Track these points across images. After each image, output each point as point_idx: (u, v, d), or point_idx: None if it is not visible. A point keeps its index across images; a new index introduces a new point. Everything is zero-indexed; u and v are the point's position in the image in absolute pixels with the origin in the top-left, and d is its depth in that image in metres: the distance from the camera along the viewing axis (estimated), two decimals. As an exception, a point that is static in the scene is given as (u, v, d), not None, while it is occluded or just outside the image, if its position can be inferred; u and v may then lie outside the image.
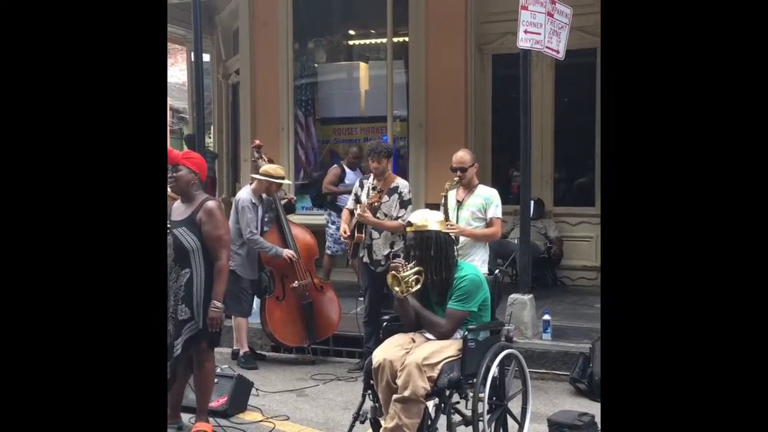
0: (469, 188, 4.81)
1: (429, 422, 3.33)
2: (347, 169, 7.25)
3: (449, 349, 3.39)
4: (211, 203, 3.98)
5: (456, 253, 3.71)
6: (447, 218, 4.48)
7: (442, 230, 3.61)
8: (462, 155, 4.82)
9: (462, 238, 4.65)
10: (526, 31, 5.28)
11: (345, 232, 5.27)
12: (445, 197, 4.75)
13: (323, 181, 7.32)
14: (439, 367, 3.30)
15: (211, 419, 4.08)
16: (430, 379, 3.26)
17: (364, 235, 5.24)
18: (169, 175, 4.04)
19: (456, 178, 4.74)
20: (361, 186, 5.37)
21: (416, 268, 3.51)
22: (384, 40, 8.04)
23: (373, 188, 5.22)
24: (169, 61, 24.66)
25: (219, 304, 3.87)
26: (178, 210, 4.05)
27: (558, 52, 5.56)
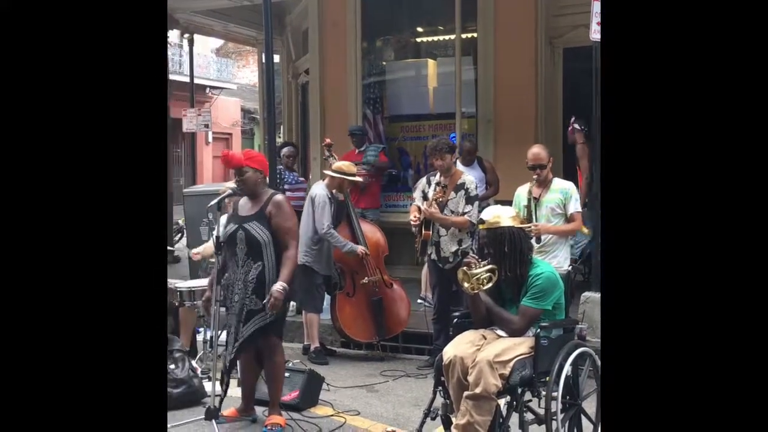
0: (545, 184, 4.68)
1: (501, 420, 3.30)
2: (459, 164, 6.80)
3: (521, 346, 3.34)
4: (279, 197, 4.12)
5: (532, 250, 3.65)
6: (530, 218, 4.39)
7: (515, 226, 3.56)
8: (538, 151, 4.65)
9: (543, 236, 4.55)
10: (599, 23, 5.16)
11: (415, 218, 5.22)
12: (518, 195, 4.66)
13: None
14: (511, 364, 3.26)
15: (283, 413, 4.15)
16: (501, 376, 3.22)
17: (431, 233, 5.23)
18: (235, 179, 4.16)
19: (534, 176, 4.58)
20: (428, 183, 5.36)
21: (489, 266, 3.48)
22: (452, 37, 8.00)
23: (438, 184, 5.21)
24: (240, 63, 25.32)
25: (283, 284, 3.91)
26: (244, 207, 4.15)
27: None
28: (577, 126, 6.74)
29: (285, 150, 7.59)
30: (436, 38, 8.58)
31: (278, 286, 3.91)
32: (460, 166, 6.64)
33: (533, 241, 4.24)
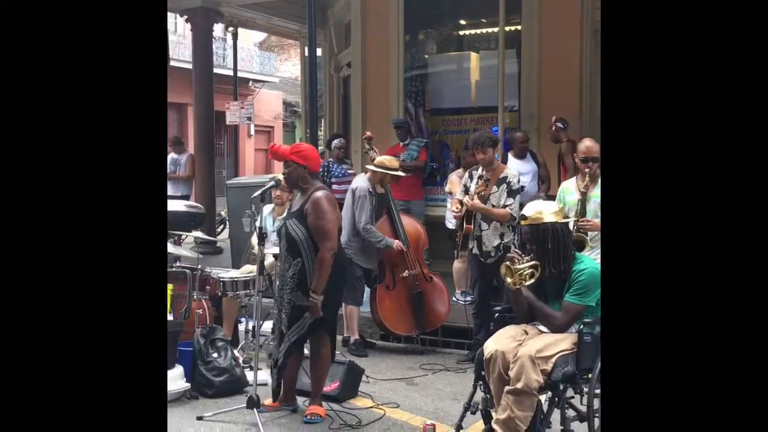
0: (594, 178, 4.56)
1: (542, 416, 3.27)
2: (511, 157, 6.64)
3: (564, 342, 3.31)
4: (318, 194, 4.03)
5: (584, 245, 3.60)
6: (584, 214, 4.30)
7: (558, 221, 3.52)
8: (591, 144, 4.44)
9: (591, 232, 4.46)
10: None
11: (457, 209, 5.20)
12: (564, 190, 4.56)
13: None
14: (553, 360, 3.23)
15: (323, 403, 4.18)
16: (543, 372, 3.20)
17: (473, 226, 5.20)
18: (282, 171, 4.19)
19: (586, 170, 4.38)
20: (471, 177, 5.33)
21: (532, 262, 3.45)
22: (495, 29, 7.90)
23: (480, 177, 5.18)
24: (282, 57, 25.51)
25: (317, 296, 3.94)
26: (295, 202, 4.19)
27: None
28: (559, 125, 6.72)
29: (335, 142, 7.58)
30: (479, 31, 8.52)
31: (310, 297, 3.94)
32: (512, 159, 6.59)
33: (586, 235, 4.17)
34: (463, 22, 8.58)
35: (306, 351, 4.34)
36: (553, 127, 6.75)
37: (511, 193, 5.08)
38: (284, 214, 4.28)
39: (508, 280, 3.44)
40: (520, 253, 3.52)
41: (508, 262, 3.47)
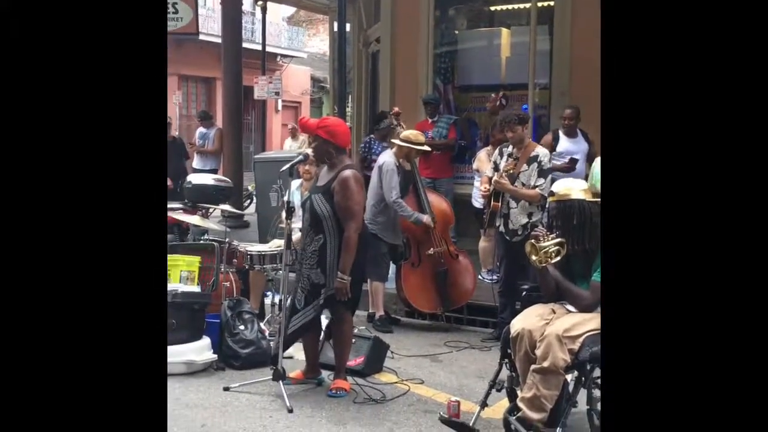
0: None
1: (568, 395, 3.26)
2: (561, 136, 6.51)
3: (592, 322, 3.28)
4: (346, 173, 4.00)
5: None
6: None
7: (587, 199, 3.48)
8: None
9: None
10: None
11: (485, 189, 5.19)
12: (597, 169, 4.53)
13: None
14: (581, 340, 3.21)
15: (348, 378, 4.22)
16: (570, 351, 3.18)
17: (501, 204, 5.16)
18: (310, 144, 4.19)
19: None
20: (501, 154, 5.28)
21: (558, 240, 3.42)
22: (527, 5, 7.80)
23: (510, 155, 5.13)
24: (311, 32, 25.46)
25: (345, 277, 3.94)
26: (322, 176, 4.17)
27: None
28: (503, 101, 6.92)
29: (383, 123, 7.49)
30: (510, 6, 8.38)
31: (338, 278, 3.94)
32: (562, 137, 6.45)
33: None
34: (494, -3, 8.46)
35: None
36: (498, 102, 6.86)
37: (542, 173, 5.02)
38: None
39: (533, 258, 3.42)
40: (544, 231, 3.48)
41: (532, 240, 3.44)
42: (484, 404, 3.51)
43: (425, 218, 5.55)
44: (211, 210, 6.60)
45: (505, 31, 8.43)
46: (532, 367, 3.22)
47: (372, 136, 7.28)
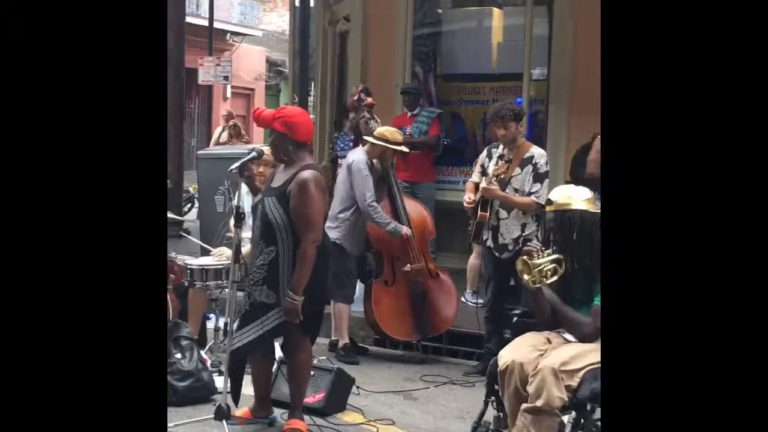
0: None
1: (564, 440, 3.29)
2: None
3: (593, 354, 3.31)
4: (305, 174, 3.95)
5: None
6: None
7: (589, 209, 3.52)
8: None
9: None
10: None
11: (470, 200, 5.22)
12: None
13: None
14: (580, 375, 3.25)
15: (306, 417, 4.20)
16: (568, 388, 3.22)
17: (489, 214, 5.17)
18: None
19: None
20: (489, 156, 5.31)
21: (554, 256, 3.46)
22: (523, -18, 7.91)
23: (500, 157, 5.16)
24: (267, 6, 25.42)
25: (296, 297, 3.90)
26: (278, 177, 4.13)
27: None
28: (363, 95, 6.68)
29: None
30: (503, -17, 8.51)
31: (288, 297, 3.90)
32: None
33: None
34: (485, -29, 8.56)
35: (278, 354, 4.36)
36: (356, 96, 6.72)
37: (538, 177, 5.06)
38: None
39: (525, 277, 3.45)
40: (539, 246, 3.52)
41: (525, 257, 3.47)
42: (465, 450, 3.53)
43: (405, 229, 5.54)
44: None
45: (497, 11, 8.54)
46: (523, 406, 3.25)
47: (343, 131, 7.28)
